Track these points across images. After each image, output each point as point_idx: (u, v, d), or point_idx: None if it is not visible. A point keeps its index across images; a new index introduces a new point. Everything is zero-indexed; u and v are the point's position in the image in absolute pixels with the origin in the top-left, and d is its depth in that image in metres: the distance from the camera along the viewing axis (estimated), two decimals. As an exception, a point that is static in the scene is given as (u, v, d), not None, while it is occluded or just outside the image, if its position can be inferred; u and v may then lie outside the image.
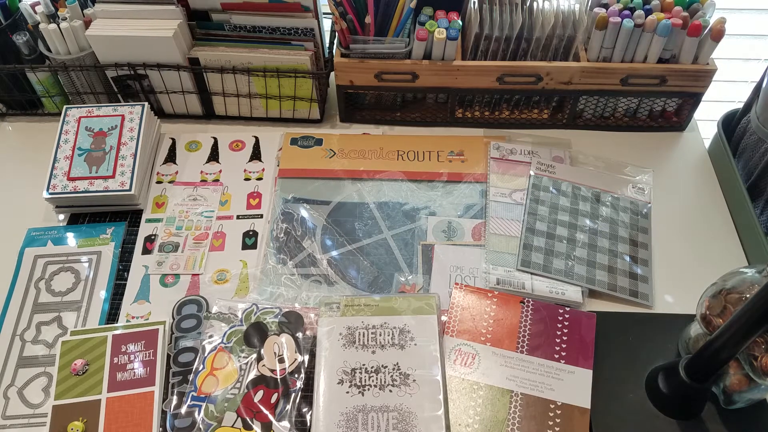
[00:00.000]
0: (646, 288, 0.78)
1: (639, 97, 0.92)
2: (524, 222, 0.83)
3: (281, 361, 0.71)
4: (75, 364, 0.71)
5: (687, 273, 0.81)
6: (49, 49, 0.91)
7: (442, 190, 0.88)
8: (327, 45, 0.95)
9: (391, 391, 0.68)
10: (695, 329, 0.70)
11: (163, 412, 0.68)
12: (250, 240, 0.84)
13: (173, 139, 0.95)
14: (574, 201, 0.85)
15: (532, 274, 0.78)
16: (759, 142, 0.85)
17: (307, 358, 0.71)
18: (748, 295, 0.63)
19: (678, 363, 0.66)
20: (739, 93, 1.39)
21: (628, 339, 0.74)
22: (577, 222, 0.83)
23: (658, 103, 0.94)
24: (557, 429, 0.66)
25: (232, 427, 0.67)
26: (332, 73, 0.92)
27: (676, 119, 0.96)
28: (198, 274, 0.80)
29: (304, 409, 0.68)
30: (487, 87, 0.90)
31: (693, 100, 0.92)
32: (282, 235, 0.83)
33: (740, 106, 0.92)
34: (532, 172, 0.88)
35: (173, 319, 0.75)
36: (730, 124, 0.93)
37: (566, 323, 0.73)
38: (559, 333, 0.73)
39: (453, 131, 0.97)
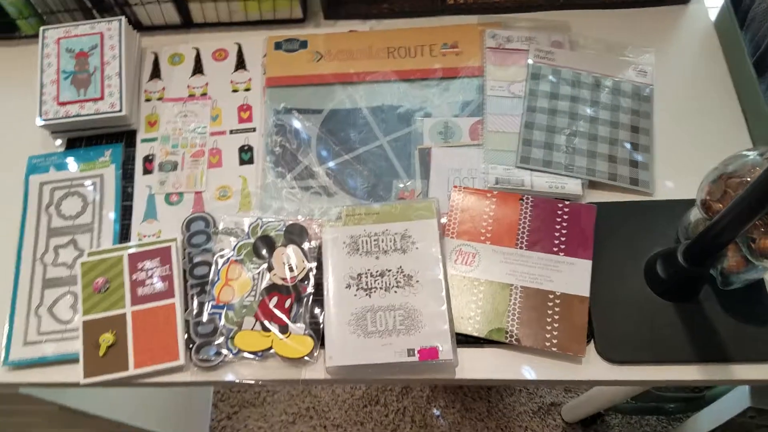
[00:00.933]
0: (647, 175, 0.78)
1: (641, -33, 0.85)
2: (523, 116, 0.81)
3: (291, 269, 0.74)
4: (96, 283, 0.75)
5: (689, 158, 0.79)
6: (13, -36, 0.85)
7: (437, 88, 0.85)
8: (305, -68, 0.88)
9: (396, 291, 0.71)
10: (695, 215, 0.70)
11: (187, 321, 0.73)
12: (246, 155, 0.83)
13: (155, 54, 0.91)
14: (574, 89, 0.82)
15: (531, 170, 0.78)
16: (770, 10, 0.80)
17: (314, 265, 0.74)
18: (749, 179, 0.62)
19: (677, 248, 0.67)
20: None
21: (629, 228, 0.75)
22: (578, 111, 0.81)
23: (664, -26, 0.87)
24: (556, 317, 0.70)
25: (252, 329, 0.72)
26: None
27: (682, -11, 0.90)
28: (200, 192, 0.81)
29: (317, 311, 0.72)
30: (479, -32, 0.84)
31: (701, -34, 0.85)
32: (277, 148, 0.83)
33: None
34: (530, 61, 0.84)
35: (183, 235, 0.77)
36: (740, -9, 0.86)
37: (566, 217, 0.74)
38: (558, 227, 0.74)
39: (445, 20, 0.91)
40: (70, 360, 0.73)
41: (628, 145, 0.79)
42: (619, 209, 0.76)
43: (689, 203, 0.72)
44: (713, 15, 0.90)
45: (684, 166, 0.79)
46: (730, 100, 0.83)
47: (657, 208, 0.76)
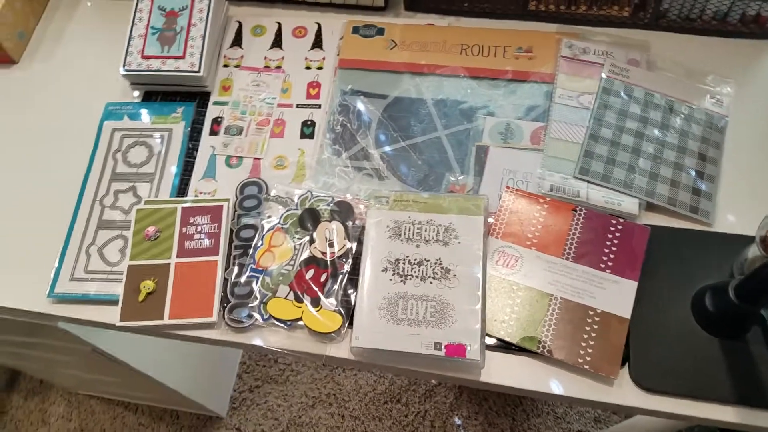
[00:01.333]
0: (708, 205, 0.75)
1: (735, -3, 0.83)
2: (589, 128, 0.80)
3: (331, 245, 0.75)
4: (148, 231, 0.78)
5: (755, 193, 0.76)
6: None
7: (505, 89, 0.85)
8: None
9: (431, 282, 0.71)
10: (753, 251, 0.67)
11: (225, 280, 0.75)
12: (308, 129, 0.86)
13: (239, 23, 0.95)
14: (645, 109, 0.80)
15: (589, 182, 0.77)
16: None
17: (354, 245, 0.75)
18: (815, 221, 0.59)
19: (729, 283, 0.64)
20: None
21: (681, 256, 0.72)
22: (645, 131, 0.79)
23: (753, 7, 0.84)
24: (593, 334, 0.68)
25: (285, 298, 0.73)
26: (401, -43, 0.88)
27: (775, 25, 0.86)
28: (259, 159, 0.84)
29: (350, 291, 0.73)
30: (566, -23, 0.84)
31: (799, 2, 0.82)
32: (338, 126, 0.84)
33: None
34: (603, 75, 0.83)
35: (236, 197, 0.80)
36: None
37: (618, 234, 0.72)
38: (608, 243, 0.72)
39: (524, 25, 0.91)
40: (110, 301, 0.76)
41: (693, 172, 0.76)
42: (674, 235, 0.73)
43: (749, 239, 0.69)
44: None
45: (748, 201, 0.76)
46: (807, 141, 0.79)
47: (714, 239, 0.73)
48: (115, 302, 0.75)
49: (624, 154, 0.78)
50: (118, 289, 0.76)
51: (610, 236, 0.73)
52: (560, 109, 0.82)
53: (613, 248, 0.72)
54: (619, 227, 0.73)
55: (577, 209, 0.74)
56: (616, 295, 0.70)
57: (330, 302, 0.72)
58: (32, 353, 1.19)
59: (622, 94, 0.82)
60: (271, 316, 0.72)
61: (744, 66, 0.85)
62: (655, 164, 0.77)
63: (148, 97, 0.91)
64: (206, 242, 0.77)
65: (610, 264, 0.71)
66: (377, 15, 0.94)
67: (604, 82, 0.82)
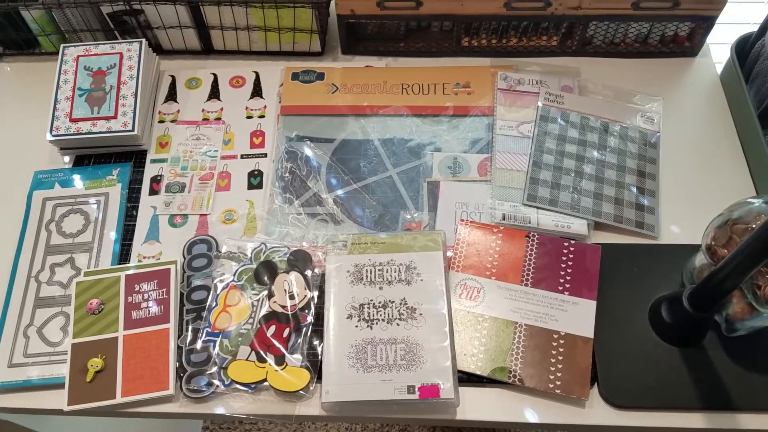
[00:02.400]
0: (653, 219, 0.78)
1: (650, 21, 0.88)
2: (531, 155, 0.82)
3: (291, 297, 0.73)
4: (90, 304, 0.73)
5: (694, 203, 0.80)
6: (40, -15, 0.88)
7: (448, 124, 0.86)
8: (326, -28, 0.91)
9: (398, 324, 0.70)
10: (700, 260, 0.70)
11: (179, 348, 0.71)
12: (255, 179, 0.84)
13: (173, 77, 0.93)
14: (582, 132, 0.84)
15: (538, 208, 0.78)
16: (774, 67, 0.82)
17: (316, 294, 0.73)
18: (754, 226, 0.63)
19: (682, 293, 0.67)
20: (754, 14, 1.32)
21: (633, 270, 0.75)
22: (585, 154, 0.82)
23: (670, 28, 0.91)
24: (560, 357, 0.68)
25: (247, 360, 0.69)
26: (332, 2, 0.88)
27: (689, 44, 0.93)
28: (206, 215, 0.81)
29: (315, 342, 0.71)
30: (494, 13, 0.87)
31: (706, 23, 0.88)
32: (287, 174, 0.83)
33: (755, 28, 0.88)
34: (539, 103, 0.86)
35: (184, 258, 0.76)
36: (744, 48, 0.89)
37: (571, 256, 0.74)
38: (563, 266, 0.74)
39: (459, 61, 0.94)
40: (55, 385, 0.71)
41: (634, 189, 0.80)
42: (624, 251, 0.76)
43: (694, 248, 0.72)
44: (719, 69, 0.92)
45: (689, 211, 0.80)
46: (734, 149, 0.85)
47: (662, 251, 0.76)
48: (60, 385, 0.70)
49: (567, 177, 0.80)
50: (63, 371, 0.70)
51: (564, 258, 0.74)
52: (502, 139, 0.84)
53: (569, 270, 0.73)
54: (572, 249, 0.75)
55: (530, 235, 0.76)
56: (578, 317, 0.71)
57: (295, 358, 0.69)
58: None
59: (558, 120, 0.85)
60: (233, 380, 0.68)
61: (669, 83, 0.91)
62: (597, 184, 0.80)
63: (80, 162, 0.86)
64: (155, 310, 0.73)
65: (567, 286, 0.73)
66: (315, 60, 0.95)
67: (541, 110, 0.85)
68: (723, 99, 0.89)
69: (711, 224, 0.67)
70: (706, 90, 0.91)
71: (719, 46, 0.99)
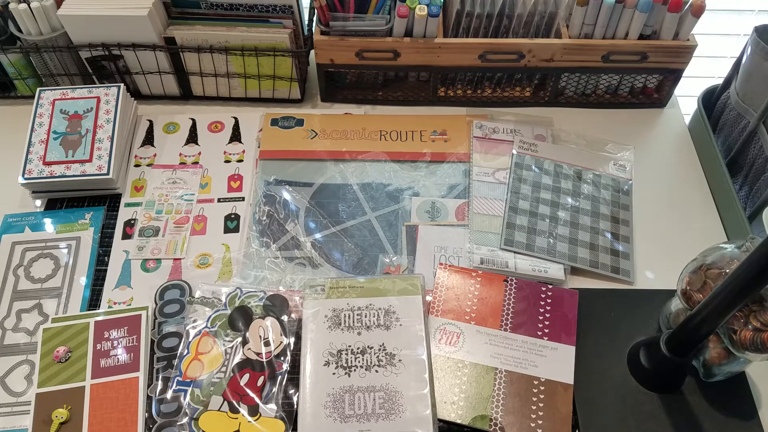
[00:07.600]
0: (628, 264, 0.79)
1: (620, 73, 0.92)
2: (507, 201, 0.83)
3: (267, 344, 0.71)
4: (57, 352, 0.70)
5: (667, 249, 0.82)
6: (20, 30, 0.88)
7: (426, 170, 0.87)
8: (306, 22, 0.93)
9: (377, 371, 0.68)
10: (676, 304, 0.71)
11: (149, 398, 0.68)
12: (232, 223, 0.83)
13: (150, 121, 0.93)
14: (556, 179, 0.86)
15: (515, 252, 0.79)
16: (738, 118, 0.86)
17: (292, 340, 0.71)
18: (727, 271, 0.64)
19: (659, 338, 0.67)
20: (719, 68, 1.39)
21: (610, 315, 0.75)
22: (559, 200, 0.84)
23: (639, 80, 0.95)
24: (541, 405, 0.67)
25: (219, 410, 0.67)
26: (312, 52, 0.90)
27: (657, 96, 0.97)
28: (180, 259, 0.79)
29: (291, 391, 0.68)
30: (469, 65, 0.90)
31: (674, 76, 0.92)
32: (265, 217, 0.83)
33: (720, 81, 0.92)
34: (514, 151, 0.88)
35: (156, 304, 0.74)
36: (710, 100, 0.93)
37: (549, 300, 0.74)
38: (542, 310, 0.74)
39: (436, 110, 0.96)
40: (16, 438, 0.67)
41: (608, 235, 0.81)
42: (601, 296, 0.76)
43: (669, 293, 0.73)
44: (687, 119, 0.96)
45: (662, 257, 0.81)
46: (704, 196, 0.87)
47: (638, 296, 0.77)
48: (22, 438, 0.66)
49: (543, 222, 0.81)
50: (26, 422, 0.67)
51: (542, 303, 0.74)
52: (479, 185, 0.85)
53: (547, 315, 0.73)
54: (549, 293, 0.75)
55: (508, 279, 0.76)
56: (557, 362, 0.70)
57: (270, 408, 0.67)
58: None
59: (533, 167, 0.86)
60: (203, 432, 0.66)
61: (639, 133, 0.94)
62: (573, 230, 0.81)
63: (52, 205, 0.85)
64: (124, 357, 0.70)
65: (546, 331, 0.72)
66: (294, 107, 0.96)
67: (516, 157, 0.87)
68: (692, 148, 0.93)
69: (685, 269, 0.67)
70: (676, 139, 0.94)
71: (687, 98, 1.03)
